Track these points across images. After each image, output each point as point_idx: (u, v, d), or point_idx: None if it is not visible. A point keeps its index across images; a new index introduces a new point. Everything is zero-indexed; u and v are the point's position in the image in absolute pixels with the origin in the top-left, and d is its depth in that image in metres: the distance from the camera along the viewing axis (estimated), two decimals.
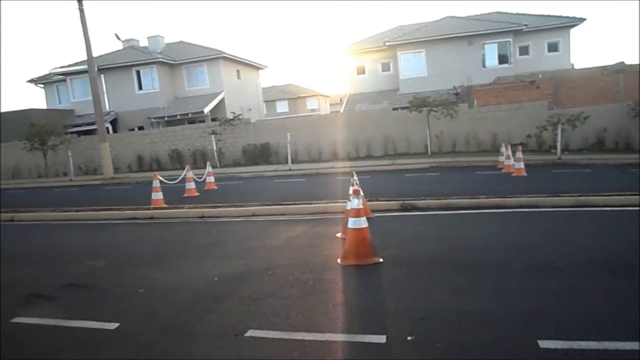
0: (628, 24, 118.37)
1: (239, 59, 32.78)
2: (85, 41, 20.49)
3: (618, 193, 8.77)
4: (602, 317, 3.74)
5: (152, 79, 29.74)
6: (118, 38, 27.95)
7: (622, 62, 23.48)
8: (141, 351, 3.62)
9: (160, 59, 29.47)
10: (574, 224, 7.40)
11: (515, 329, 3.60)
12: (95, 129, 23.52)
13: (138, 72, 29.91)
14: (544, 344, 3.30)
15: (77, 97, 30.50)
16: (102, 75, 29.22)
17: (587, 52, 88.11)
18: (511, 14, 32.05)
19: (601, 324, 3.60)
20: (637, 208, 8.02)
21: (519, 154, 13.81)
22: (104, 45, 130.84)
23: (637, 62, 22.35)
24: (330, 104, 59.27)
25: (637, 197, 8.41)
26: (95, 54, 21.83)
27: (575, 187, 10.13)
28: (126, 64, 29.53)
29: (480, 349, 3.30)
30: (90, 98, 21.75)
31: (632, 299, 4.08)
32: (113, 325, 4.13)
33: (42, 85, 32.98)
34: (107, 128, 27.04)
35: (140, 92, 30.04)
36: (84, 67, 23.46)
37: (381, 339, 3.55)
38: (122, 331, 4.03)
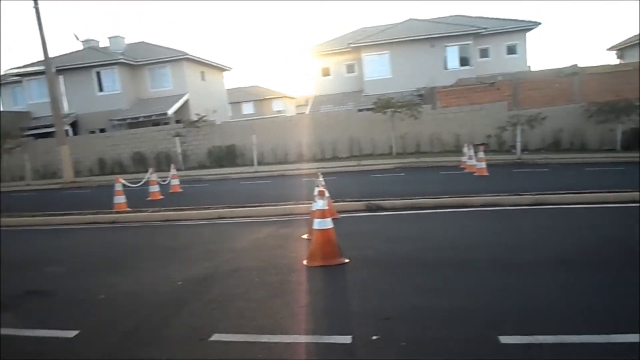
0: (580, 27, 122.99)
1: (203, 61, 32.37)
2: (42, 41, 19.85)
3: (573, 191, 9.11)
4: (560, 311, 3.87)
5: (114, 80, 29.02)
6: (77, 38, 27.30)
7: (576, 65, 24.38)
8: (102, 359, 3.53)
9: (122, 60, 28.79)
10: (532, 222, 7.63)
11: (477, 325, 3.68)
12: (54, 132, 22.77)
13: (98, 73, 29.13)
14: (504, 339, 3.39)
15: (34, 98, 29.45)
16: (61, 77, 28.32)
17: (542, 54, 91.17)
18: (472, 17, 32.83)
19: (558, 318, 3.72)
20: (591, 205, 8.36)
21: (481, 154, 14.15)
22: (63, 45, 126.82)
23: (590, 65, 23.25)
24: (296, 106, 59.20)
25: (590, 195, 8.77)
26: (53, 54, 21.26)
27: (534, 186, 10.46)
28: (86, 64, 28.72)
29: (444, 346, 3.36)
30: (48, 100, 21.04)
31: (588, 293, 4.24)
32: (72, 333, 4.00)
33: None
34: (67, 130, 26.23)
35: (101, 93, 29.27)
36: (41, 67, 22.68)
37: (347, 339, 3.56)
38: (81, 339, 3.91)
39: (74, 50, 32.15)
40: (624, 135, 18.88)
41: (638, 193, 8.57)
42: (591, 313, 3.80)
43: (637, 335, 3.33)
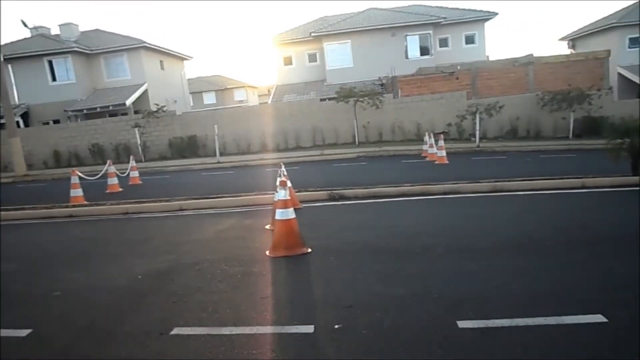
0: (534, 18, 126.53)
1: (162, 49, 31.53)
2: None
3: (528, 178, 9.42)
4: (514, 295, 4.00)
5: (67, 69, 27.91)
6: (25, 25, 25.99)
7: (531, 55, 25.06)
8: (56, 358, 3.42)
9: (75, 48, 27.70)
10: (491, 208, 7.85)
11: (436, 310, 3.77)
12: (3, 123, 21.76)
13: (50, 62, 27.95)
14: (462, 324, 3.48)
15: None
16: (9, 66, 27.05)
17: (500, 44, 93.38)
18: (431, 7, 33.22)
19: (513, 302, 3.84)
20: (546, 192, 8.66)
21: (441, 143, 14.41)
22: (10, 33, 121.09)
23: (544, 55, 23.95)
24: (259, 95, 58.71)
25: (543, 181, 9.10)
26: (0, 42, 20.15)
27: (493, 173, 10.75)
28: (36, 53, 27.49)
29: (404, 332, 3.42)
30: None
31: (541, 277, 4.40)
32: (24, 332, 3.86)
33: None
34: (18, 122, 25.14)
35: (54, 83, 28.13)
36: None
37: (309, 329, 3.58)
38: (34, 337, 3.78)
39: (22, 37, 30.72)
40: (575, 123, 19.60)
41: (588, 179, 8.96)
42: (543, 296, 3.95)
43: (585, 316, 3.49)
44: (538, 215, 7.13)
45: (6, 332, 3.89)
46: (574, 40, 34.27)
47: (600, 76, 22.35)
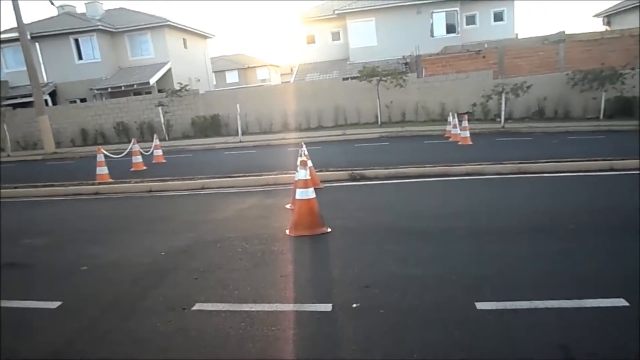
0: None
1: (186, 28, 31.62)
2: (14, 6, 19.14)
3: (554, 160, 9.22)
4: (535, 277, 3.96)
5: (93, 47, 28.26)
6: (52, 3, 26.23)
7: (563, 32, 24.29)
8: (84, 329, 3.55)
9: (100, 27, 27.98)
10: (514, 190, 7.74)
11: (455, 292, 3.76)
12: (32, 101, 22.24)
13: (77, 41, 28.32)
14: (480, 305, 3.47)
15: (10, 67, 28.61)
16: (37, 44, 27.52)
17: (530, 22, 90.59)
18: None
19: (533, 285, 3.81)
20: (572, 174, 8.48)
21: (465, 123, 14.18)
22: (38, 11, 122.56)
23: (577, 32, 23.20)
24: (281, 74, 58.46)
25: (570, 163, 8.90)
26: (27, 20, 20.49)
27: (517, 154, 10.55)
28: (63, 31, 27.87)
29: (422, 313, 3.44)
30: (25, 68, 20.46)
31: (563, 260, 4.34)
32: (54, 304, 4.01)
33: None
34: (46, 100, 25.67)
35: (81, 62, 28.54)
36: (15, 34, 21.94)
37: (327, 307, 3.62)
38: (64, 310, 3.92)
39: (49, 16, 31.13)
40: (607, 103, 19.01)
41: (617, 161, 8.72)
42: (564, 279, 3.90)
43: (607, 299, 3.44)
44: (562, 197, 7.00)
45: (38, 304, 4.05)
46: (609, 16, 32.98)
47: (636, 54, 21.52)
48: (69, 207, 8.86)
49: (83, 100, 27.54)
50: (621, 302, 3.39)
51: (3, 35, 27.95)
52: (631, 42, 21.69)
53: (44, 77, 27.80)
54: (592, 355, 2.79)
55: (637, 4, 29.00)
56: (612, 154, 9.46)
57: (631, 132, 14.37)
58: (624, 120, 17.08)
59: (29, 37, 21.90)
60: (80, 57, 28.58)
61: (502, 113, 18.08)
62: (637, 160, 8.68)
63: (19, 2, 19.25)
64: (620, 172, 8.44)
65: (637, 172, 8.33)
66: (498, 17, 30.32)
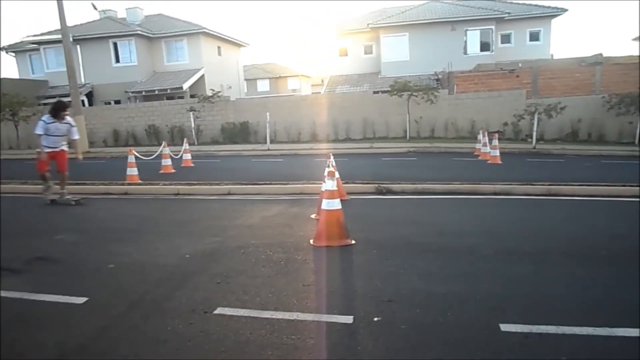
0: (607, 16, 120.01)
1: (220, 35, 32.22)
2: (59, 9, 19.84)
3: (586, 183, 9.00)
4: (563, 302, 3.86)
5: (130, 51, 29.04)
6: (95, 8, 27.26)
7: (600, 54, 23.81)
8: (109, 325, 3.61)
9: (139, 32, 28.76)
10: (543, 212, 7.58)
11: (479, 312, 3.69)
12: (70, 101, 22.93)
13: (115, 44, 29.17)
14: (505, 327, 3.40)
15: (50, 67, 29.65)
16: (78, 46, 28.40)
17: (566, 42, 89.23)
18: (495, 1, 32.11)
19: (561, 309, 3.71)
20: (604, 198, 8.27)
21: (495, 142, 14.00)
22: (80, 15, 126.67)
23: (615, 55, 22.70)
24: (312, 85, 58.90)
25: (603, 187, 8.67)
26: (70, 23, 21.20)
27: (547, 176, 10.35)
28: (103, 35, 28.76)
29: (444, 331, 3.38)
30: (65, 69, 21.15)
31: (592, 286, 4.22)
32: (81, 300, 4.10)
33: (13, 54, 31.88)
34: (83, 101, 26.41)
35: (118, 65, 29.35)
36: (58, 36, 22.73)
37: (348, 319, 3.60)
38: (90, 305, 4.01)
39: (91, 20, 32.17)
40: None
41: None
42: (594, 306, 3.79)
43: (638, 329, 3.33)
44: (593, 222, 6.82)
45: (65, 299, 4.14)
46: None
47: None
48: (99, 205, 9.06)
49: (118, 102, 28.26)
50: None
51: (46, 37, 28.99)
52: None
53: (82, 78, 28.66)
54: None
55: None
56: None
57: None
58: None
59: (71, 39, 22.62)
60: (117, 60, 29.40)
61: (534, 133, 17.77)
62: None
63: (64, 3, 19.94)
64: None
65: None
66: (534, 36, 29.95)
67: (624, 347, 3.12)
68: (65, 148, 9.00)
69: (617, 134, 19.29)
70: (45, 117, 8.57)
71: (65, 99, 10.66)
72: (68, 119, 8.78)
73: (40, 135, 8.56)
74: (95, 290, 4.35)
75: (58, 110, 8.59)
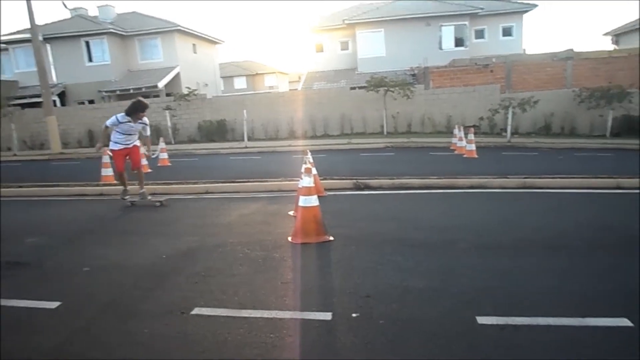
0: (578, 12, 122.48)
1: (195, 33, 31.85)
2: (28, 8, 19.36)
3: (559, 176, 9.18)
4: (537, 294, 3.92)
5: (103, 50, 28.49)
6: (65, 6, 26.71)
7: (571, 50, 24.31)
8: (82, 330, 3.54)
9: (111, 30, 28.24)
10: (518, 205, 7.70)
11: (456, 305, 3.73)
12: (41, 102, 22.39)
13: (87, 43, 28.56)
14: (481, 320, 3.44)
15: (20, 67, 28.90)
16: (48, 45, 27.77)
17: (538, 38, 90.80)
18: None
19: (536, 301, 3.78)
20: (577, 190, 8.44)
21: (471, 136, 14.16)
22: (50, 13, 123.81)
23: (586, 50, 23.20)
24: (289, 82, 58.72)
25: (575, 180, 8.86)
26: (40, 22, 20.70)
27: (522, 169, 10.52)
28: (74, 33, 28.12)
29: (421, 325, 3.41)
30: (36, 69, 20.65)
31: (566, 277, 4.30)
32: (54, 304, 4.00)
33: None
34: (55, 101, 25.85)
35: (91, 64, 28.76)
36: (28, 35, 22.16)
37: (327, 316, 3.60)
38: (63, 310, 3.92)
39: (61, 18, 31.46)
40: (614, 121, 18.96)
41: (623, 180, 8.68)
42: (567, 296, 3.86)
43: (610, 319, 3.41)
44: (567, 214, 6.96)
45: (37, 304, 4.05)
46: (618, 35, 33.02)
47: None
48: (74, 207, 8.88)
49: (91, 101, 27.71)
50: (624, 322, 3.35)
51: (15, 36, 28.24)
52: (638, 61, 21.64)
53: (54, 78, 28.03)
54: None
55: None
56: (619, 172, 9.41)
57: (638, 151, 14.30)
58: (630, 139, 17.00)
59: (41, 38, 22.08)
60: (90, 59, 28.80)
61: (509, 127, 18.06)
62: None
63: (32, 2, 19.47)
64: (627, 190, 8.39)
65: None
66: (507, 32, 30.42)
67: (595, 336, 3.19)
68: (138, 144, 8.46)
69: (589, 127, 19.74)
70: (120, 116, 7.97)
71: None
72: (144, 119, 8.25)
73: (107, 127, 8.05)
74: (68, 294, 4.25)
75: (137, 112, 7.99)
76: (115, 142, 8.21)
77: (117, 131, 8.11)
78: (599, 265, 4.61)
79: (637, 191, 8.22)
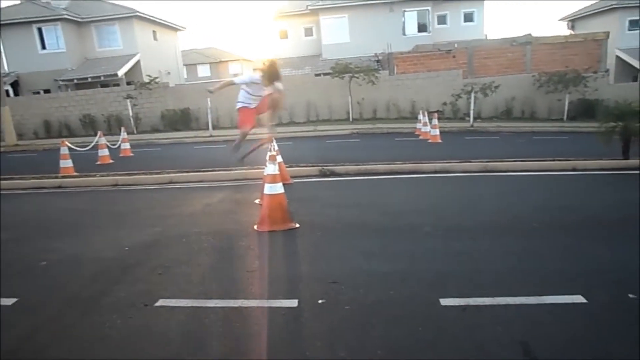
0: None
1: (155, 19, 30.97)
2: None
3: (519, 159, 9.43)
4: (498, 274, 4.03)
5: (57, 37, 27.38)
6: None
7: (530, 35, 24.85)
8: (41, 327, 3.42)
9: (65, 16, 27.14)
10: (481, 188, 7.87)
11: (419, 288, 3.79)
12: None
13: (40, 30, 27.40)
14: (444, 301, 3.51)
15: None
16: None
17: (499, 24, 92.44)
18: None
19: (496, 281, 3.88)
20: (536, 173, 8.69)
21: (435, 121, 14.37)
22: None
23: (543, 35, 23.76)
24: (254, 69, 57.89)
25: (534, 163, 9.12)
26: None
27: (485, 153, 10.75)
28: (25, 20, 26.90)
29: (387, 309, 3.45)
30: None
31: (525, 258, 4.43)
32: (10, 301, 3.86)
33: None
34: (7, 91, 24.77)
35: (44, 51, 27.63)
36: None
37: (293, 303, 3.60)
38: (20, 307, 3.78)
39: (11, 4, 30.05)
40: (570, 105, 19.57)
41: (579, 162, 8.99)
42: (526, 276, 3.98)
43: (566, 296, 3.53)
44: (527, 196, 7.16)
45: None
46: (573, 21, 33.97)
47: (598, 58, 22.21)
48: (30, 200, 8.57)
49: (47, 91, 26.69)
50: (579, 298, 3.48)
51: None
52: (594, 46, 22.38)
53: (5, 67, 26.83)
54: (550, 351, 2.85)
55: (600, 10, 29.96)
56: (574, 154, 9.75)
57: (592, 134, 14.80)
58: (586, 122, 17.60)
59: None
60: (43, 47, 27.67)
61: (471, 112, 18.40)
62: (598, 161, 8.97)
63: None
64: (581, 172, 8.70)
65: (599, 172, 8.61)
66: (468, 17, 30.84)
67: (553, 313, 3.30)
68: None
69: (547, 111, 20.34)
70: (257, 76, 7.61)
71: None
72: (277, 84, 7.88)
73: (234, 83, 7.66)
74: (25, 290, 4.11)
75: (273, 77, 7.65)
76: (243, 102, 7.89)
77: (247, 91, 7.84)
78: (557, 245, 4.76)
79: (593, 172, 8.54)
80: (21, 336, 3.31)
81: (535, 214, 5.96)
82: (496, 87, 19.13)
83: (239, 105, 7.90)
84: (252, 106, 8.01)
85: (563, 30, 36.71)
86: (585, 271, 4.03)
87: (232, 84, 7.78)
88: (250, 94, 7.83)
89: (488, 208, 6.41)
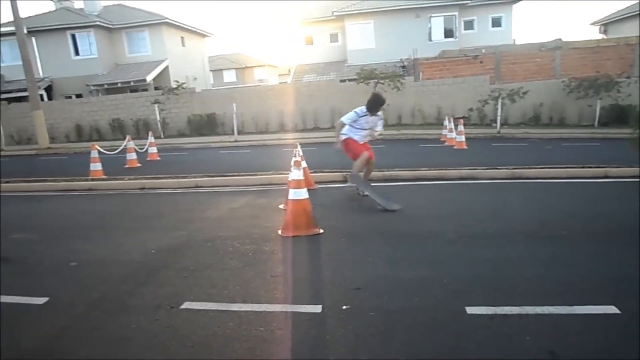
0: (565, 1, 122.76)
1: (184, 26, 31.50)
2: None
3: (547, 166, 9.23)
4: (526, 283, 3.95)
5: (90, 43, 28.10)
6: None
7: (559, 39, 24.36)
8: (71, 326, 3.50)
9: (98, 23, 27.84)
10: (508, 195, 7.73)
11: (445, 296, 3.74)
12: (27, 96, 22.10)
13: (74, 36, 28.16)
14: (471, 310, 3.45)
15: (5, 61, 28.40)
16: (34, 39, 27.35)
17: (527, 28, 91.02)
18: None
19: (524, 290, 3.80)
20: (565, 180, 8.50)
21: (461, 128, 14.20)
22: (35, 5, 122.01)
23: (574, 40, 23.28)
24: (279, 75, 58.37)
25: (563, 170, 8.91)
26: (24, 14, 20.36)
27: (512, 160, 10.56)
28: (60, 26, 27.67)
29: (411, 316, 3.41)
30: (21, 63, 20.33)
31: (554, 266, 4.33)
32: (42, 300, 3.96)
33: None
34: (42, 95, 25.52)
35: (77, 57, 28.38)
36: (12, 28, 21.79)
37: (317, 308, 3.59)
38: (51, 306, 3.88)
39: (46, 11, 30.98)
40: (602, 111, 19.09)
41: (611, 169, 8.75)
42: (555, 285, 3.89)
43: (597, 306, 3.43)
44: (556, 204, 7.00)
45: (25, 300, 4.00)
46: (606, 25, 33.14)
47: (631, 63, 21.61)
48: (61, 202, 8.79)
49: (79, 96, 27.39)
50: (612, 309, 3.38)
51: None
52: (627, 50, 21.78)
53: (40, 72, 27.64)
54: None
55: (634, 13, 29.18)
56: (606, 161, 9.49)
57: (625, 140, 14.40)
58: (618, 128, 17.13)
59: (25, 31, 21.73)
60: (77, 53, 28.43)
61: (498, 118, 18.11)
62: (632, 168, 8.71)
63: None
64: (614, 179, 8.46)
65: (632, 179, 8.36)
66: (496, 22, 30.44)
67: (583, 324, 3.22)
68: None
69: (577, 117, 19.86)
70: (360, 110, 7.67)
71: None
72: (380, 113, 7.87)
73: (343, 124, 7.73)
74: (56, 289, 4.21)
75: (378, 106, 7.63)
76: (347, 135, 7.80)
77: (355, 127, 7.76)
78: (588, 253, 4.64)
79: (626, 180, 8.30)
80: (52, 335, 3.39)
81: (564, 221, 5.82)
82: (524, 93, 18.78)
83: (343, 137, 7.87)
84: (356, 137, 7.91)
85: (595, 34, 35.81)
86: (618, 281, 3.91)
87: (342, 125, 7.81)
88: (360, 129, 7.84)
89: (515, 215, 6.30)
